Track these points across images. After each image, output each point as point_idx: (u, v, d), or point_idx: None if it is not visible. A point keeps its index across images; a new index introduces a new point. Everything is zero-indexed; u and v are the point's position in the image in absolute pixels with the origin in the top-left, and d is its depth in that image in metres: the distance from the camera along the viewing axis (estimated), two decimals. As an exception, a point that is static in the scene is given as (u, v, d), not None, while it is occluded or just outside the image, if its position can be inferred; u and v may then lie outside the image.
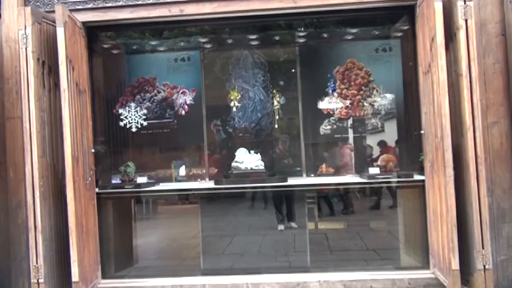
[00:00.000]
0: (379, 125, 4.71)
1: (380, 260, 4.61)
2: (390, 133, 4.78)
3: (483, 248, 3.30)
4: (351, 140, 4.89)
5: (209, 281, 3.91)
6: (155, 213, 6.34)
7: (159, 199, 6.22)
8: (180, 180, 4.89)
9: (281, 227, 5.40)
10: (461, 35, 3.29)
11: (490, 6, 3.71)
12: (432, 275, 3.74)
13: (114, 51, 4.91)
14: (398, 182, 4.37)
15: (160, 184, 4.69)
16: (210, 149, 4.96)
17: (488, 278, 3.29)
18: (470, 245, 3.36)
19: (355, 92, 4.60)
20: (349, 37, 4.79)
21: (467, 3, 3.30)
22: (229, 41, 4.93)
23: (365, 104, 4.60)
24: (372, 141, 5.16)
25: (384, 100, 4.60)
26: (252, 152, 4.53)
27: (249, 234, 5.49)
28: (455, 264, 3.21)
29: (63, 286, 3.66)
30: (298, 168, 4.86)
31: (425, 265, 3.89)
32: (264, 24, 4.75)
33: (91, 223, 3.84)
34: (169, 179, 4.97)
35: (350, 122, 4.70)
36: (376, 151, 5.15)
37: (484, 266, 3.30)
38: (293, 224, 5.38)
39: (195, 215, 4.95)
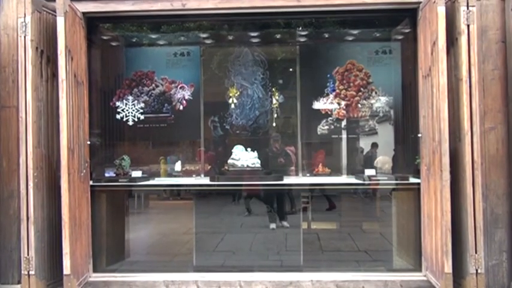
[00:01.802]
0: (376, 127, 4.72)
1: (372, 262, 4.62)
2: (383, 135, 4.79)
3: (476, 253, 3.34)
4: (344, 141, 4.87)
5: (201, 277, 3.88)
6: (147, 208, 6.30)
7: (151, 194, 6.18)
8: (175, 176, 4.86)
9: (273, 225, 5.39)
10: (463, 40, 3.31)
11: (491, 13, 3.75)
12: (424, 278, 3.76)
13: (113, 43, 4.85)
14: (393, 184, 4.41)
15: (156, 179, 4.66)
16: (205, 145, 4.93)
17: (480, 282, 3.33)
18: (463, 249, 3.39)
19: (354, 93, 4.60)
20: (350, 38, 4.78)
21: (470, 8, 3.33)
22: (230, 38, 4.89)
23: (359, 105, 4.61)
24: (364, 143, 5.14)
25: (378, 103, 4.61)
26: (248, 149, 4.52)
27: (241, 232, 5.48)
28: (449, 268, 3.24)
29: (54, 278, 3.63)
30: (292, 168, 4.86)
31: (418, 267, 3.92)
32: (265, 22, 4.75)
33: (84, 216, 3.80)
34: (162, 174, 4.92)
35: (344, 123, 4.70)
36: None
37: (477, 270, 3.34)
38: (285, 223, 5.37)
39: (186, 211, 4.93)
